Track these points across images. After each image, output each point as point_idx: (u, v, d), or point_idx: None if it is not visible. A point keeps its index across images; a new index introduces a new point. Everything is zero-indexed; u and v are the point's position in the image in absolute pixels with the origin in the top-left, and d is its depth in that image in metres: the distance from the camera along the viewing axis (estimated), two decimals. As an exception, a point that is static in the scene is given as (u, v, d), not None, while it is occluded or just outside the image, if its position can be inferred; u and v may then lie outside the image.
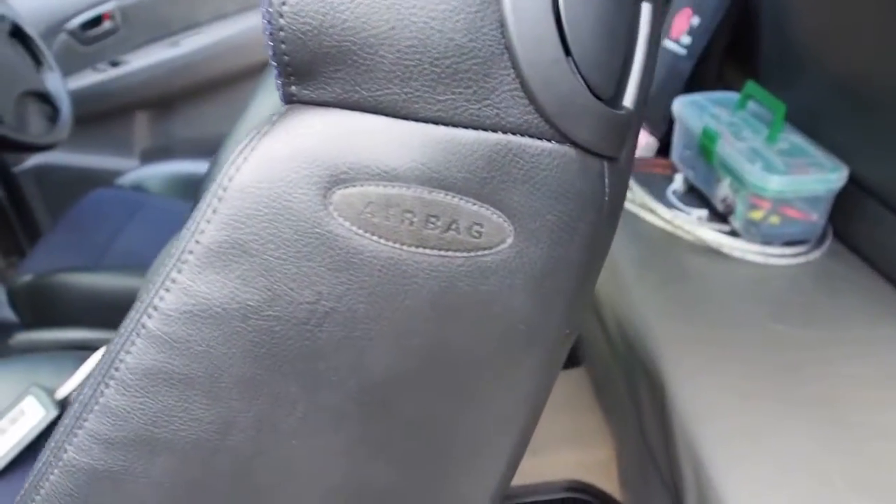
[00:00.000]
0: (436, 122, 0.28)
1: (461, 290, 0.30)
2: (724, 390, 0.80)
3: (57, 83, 1.41)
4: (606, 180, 0.31)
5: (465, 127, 0.28)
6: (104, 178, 1.78)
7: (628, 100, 0.32)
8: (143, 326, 0.30)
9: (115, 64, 1.88)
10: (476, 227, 0.29)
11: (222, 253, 0.29)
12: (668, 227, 1.15)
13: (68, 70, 1.78)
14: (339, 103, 0.28)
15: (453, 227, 0.29)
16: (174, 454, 0.32)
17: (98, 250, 1.34)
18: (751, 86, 1.22)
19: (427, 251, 0.29)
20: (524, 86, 0.28)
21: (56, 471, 0.33)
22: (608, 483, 1.10)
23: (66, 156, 1.84)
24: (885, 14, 0.89)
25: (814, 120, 1.13)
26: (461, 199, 0.28)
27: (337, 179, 0.28)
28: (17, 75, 1.33)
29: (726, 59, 1.40)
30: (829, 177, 1.06)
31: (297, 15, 0.26)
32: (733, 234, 1.15)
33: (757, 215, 1.11)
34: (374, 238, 0.29)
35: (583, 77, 0.28)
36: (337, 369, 0.30)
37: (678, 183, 1.31)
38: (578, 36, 0.27)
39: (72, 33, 1.86)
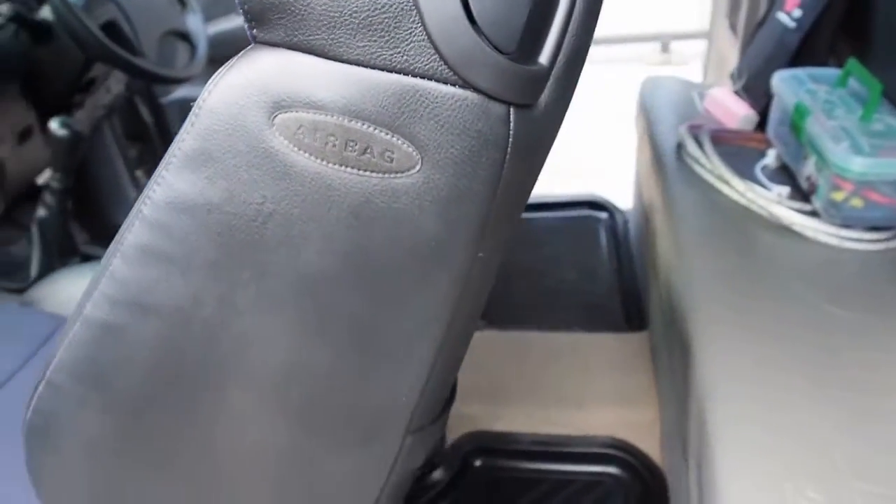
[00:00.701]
0: (356, 64, 0.34)
1: (377, 206, 0.37)
2: (745, 357, 0.81)
3: (197, 24, 1.57)
4: (512, 124, 0.36)
5: (380, 69, 0.34)
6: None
7: (544, 56, 0.37)
8: (141, 212, 0.40)
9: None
10: (388, 153, 0.35)
11: (195, 158, 0.37)
12: (742, 201, 1.14)
13: (210, 15, 1.95)
14: (283, 44, 0.35)
15: (368, 151, 0.35)
16: (160, 318, 0.41)
17: None
18: (852, 63, 1.17)
19: (347, 170, 0.36)
20: (430, 38, 0.33)
21: (77, 324, 0.44)
22: (650, 444, 1.13)
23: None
24: None
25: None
26: (375, 128, 0.35)
27: (278, 106, 0.35)
28: (162, 16, 1.49)
29: (840, 34, 1.33)
30: (921, 159, 1.01)
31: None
32: (814, 214, 1.12)
33: (838, 196, 1.08)
34: (305, 155, 0.36)
35: (483, 33, 0.34)
36: (278, 262, 0.38)
37: (770, 158, 1.28)
38: None
39: (217, -19, 2.03)
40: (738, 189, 1.15)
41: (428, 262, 0.39)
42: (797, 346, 0.85)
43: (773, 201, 1.13)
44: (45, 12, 1.35)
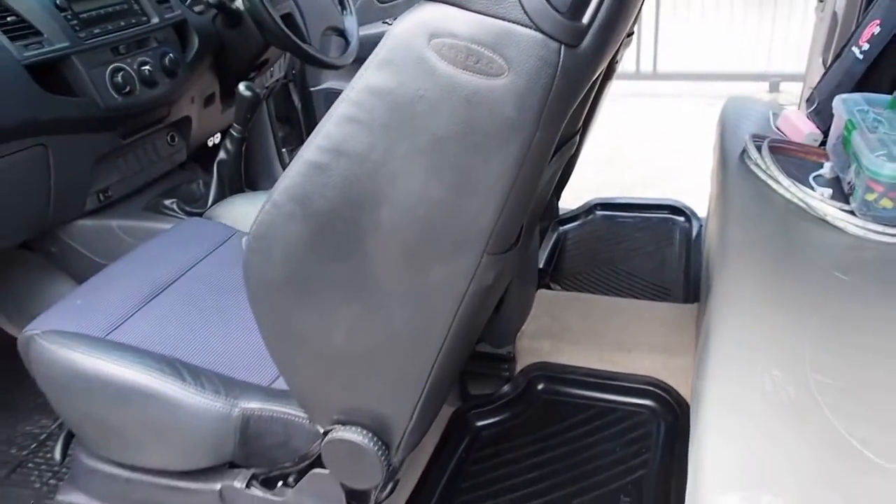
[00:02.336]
0: (477, 12, 0.62)
1: (481, 95, 0.64)
2: (754, 295, 1.02)
3: (353, 24, 1.92)
4: (561, 56, 0.63)
5: (491, 16, 0.62)
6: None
7: (585, 18, 0.64)
8: (348, 95, 0.69)
9: (397, 20, 2.39)
10: (490, 64, 0.63)
11: (383, 62, 0.66)
12: (788, 196, 1.35)
13: (364, 19, 2.31)
14: (437, 0, 0.64)
15: (479, 62, 0.63)
16: (349, 159, 0.70)
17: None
18: (901, 88, 1.35)
19: (467, 73, 0.64)
20: (520, 1, 0.61)
21: (297, 163, 0.73)
22: (684, 385, 1.34)
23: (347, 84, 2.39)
24: None
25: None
26: (484, 49, 0.63)
27: (433, 35, 0.64)
28: (326, 14, 1.85)
29: (904, 66, 1.51)
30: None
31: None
32: (850, 213, 1.31)
33: (871, 197, 1.27)
34: (445, 63, 0.64)
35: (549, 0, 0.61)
36: (422, 127, 0.66)
37: (825, 169, 1.48)
38: None
39: (370, -8, 2.40)
40: (786, 186, 1.36)
41: (506, 134, 0.66)
42: (798, 291, 1.05)
43: (815, 198, 1.33)
44: (238, 3, 1.72)
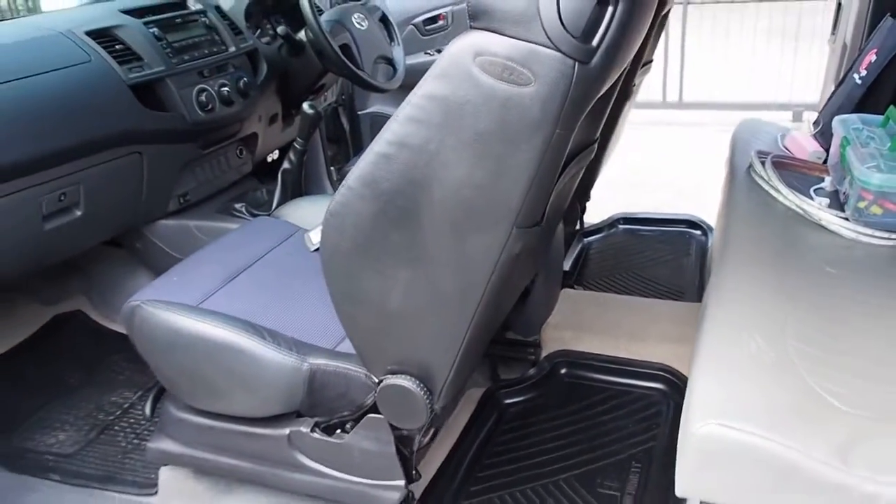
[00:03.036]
0: (512, 37, 0.82)
1: (514, 101, 0.84)
2: (749, 280, 1.19)
3: (399, 55, 2.14)
4: (575, 70, 0.83)
5: (521, 40, 0.82)
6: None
7: (594, 41, 0.83)
8: (409, 100, 0.89)
9: (440, 51, 2.62)
10: (521, 76, 0.83)
11: (439, 75, 0.87)
12: (788, 203, 1.52)
13: (409, 50, 2.54)
14: (481, 28, 0.84)
15: (513, 74, 0.83)
16: (409, 150, 0.90)
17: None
18: (891, 110, 1.53)
19: (503, 83, 0.84)
20: (543, 28, 0.81)
21: (368, 154, 0.94)
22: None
23: (391, 109, 2.62)
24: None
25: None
26: (516, 64, 0.83)
27: (478, 53, 0.84)
28: (377, 45, 2.08)
29: (898, 89, 1.68)
30: (920, 179, 1.35)
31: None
32: (845, 219, 1.47)
33: (862, 204, 1.44)
34: (486, 76, 0.84)
35: (566, 28, 0.81)
36: (467, 125, 0.86)
37: (825, 183, 1.64)
38: (567, 7, 0.80)
39: (416, 26, 2.65)
40: (786, 195, 1.53)
41: (532, 131, 0.85)
42: (789, 280, 1.22)
43: (813, 206, 1.50)
44: (302, 35, 1.96)
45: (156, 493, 1.40)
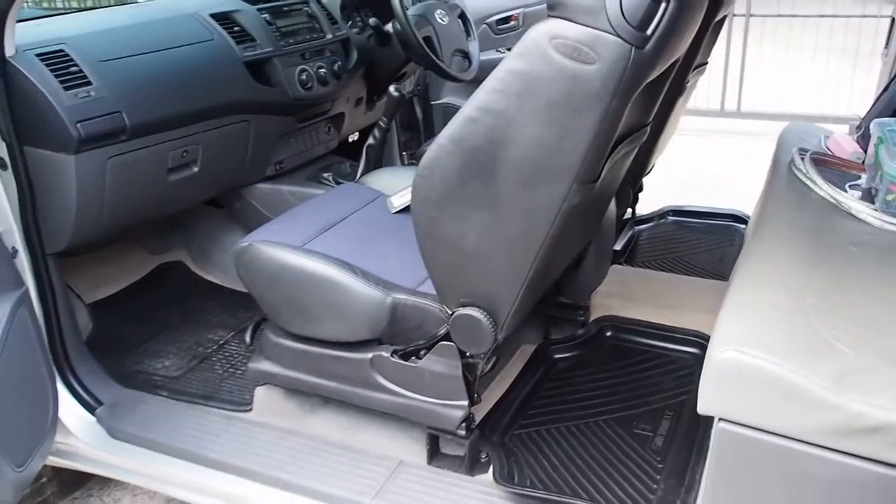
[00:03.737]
0: (582, 24, 1.02)
1: (581, 76, 1.04)
2: (776, 255, 1.36)
3: (475, 49, 2.36)
4: (632, 52, 1.02)
5: (588, 27, 1.02)
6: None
7: (649, 30, 1.03)
8: (494, 74, 1.10)
9: (510, 49, 2.83)
10: (587, 56, 1.03)
11: (519, 54, 1.07)
12: (822, 193, 1.67)
13: (481, 47, 2.75)
14: (558, 16, 1.04)
15: (582, 55, 1.03)
16: (491, 115, 1.10)
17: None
18: (924, 113, 1.67)
19: (572, 61, 1.03)
20: (608, 17, 1.01)
21: (458, 118, 1.15)
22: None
23: (462, 101, 2.84)
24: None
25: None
26: (584, 46, 1.03)
27: (553, 37, 1.04)
28: (455, 39, 2.29)
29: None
30: (941, 174, 1.50)
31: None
32: (875, 210, 1.61)
33: (890, 197, 1.58)
34: (559, 55, 1.04)
35: (626, 18, 1.01)
36: (541, 95, 1.06)
37: (861, 180, 1.79)
38: (628, 1, 1.00)
39: (489, 25, 2.86)
40: (821, 186, 1.69)
41: (593, 101, 1.05)
42: (813, 251, 1.38)
43: (846, 197, 1.65)
44: (389, 26, 2.19)
45: (251, 409, 1.64)
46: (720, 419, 1.10)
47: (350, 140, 2.60)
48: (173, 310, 2.09)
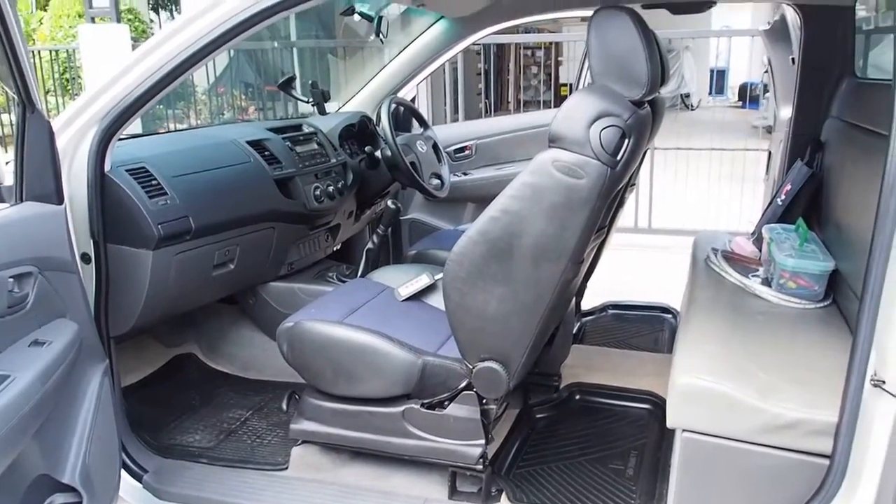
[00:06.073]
0: (575, 153, 1.50)
1: (573, 189, 1.49)
2: (700, 325, 1.82)
3: (447, 173, 2.85)
4: (608, 171, 1.49)
5: (581, 155, 1.49)
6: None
7: (619, 156, 1.51)
8: (512, 184, 1.55)
9: (465, 174, 3.34)
10: (578, 174, 1.49)
11: (531, 171, 1.53)
12: (732, 280, 2.18)
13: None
14: (556, 147, 1.51)
15: (574, 174, 1.49)
16: (508, 215, 1.53)
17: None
18: (799, 220, 2.24)
19: (566, 177, 1.50)
20: (591, 146, 1.49)
21: (482, 219, 1.58)
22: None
23: (427, 217, 3.30)
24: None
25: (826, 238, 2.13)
26: (577, 167, 1.49)
27: (554, 161, 1.51)
28: (433, 164, 2.78)
29: (809, 206, 2.40)
30: (822, 265, 2.03)
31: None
32: (771, 291, 2.13)
33: (782, 280, 2.11)
34: (558, 172, 1.50)
35: (603, 147, 1.49)
36: (543, 199, 1.51)
37: (760, 271, 2.32)
38: (605, 138, 1.49)
39: (448, 153, 3.38)
40: (732, 275, 2.20)
41: (584, 203, 1.50)
42: (732, 319, 1.86)
43: (750, 282, 2.17)
44: (378, 153, 2.65)
45: (286, 467, 1.92)
46: (683, 430, 1.50)
47: (336, 248, 2.99)
48: (192, 394, 2.35)
